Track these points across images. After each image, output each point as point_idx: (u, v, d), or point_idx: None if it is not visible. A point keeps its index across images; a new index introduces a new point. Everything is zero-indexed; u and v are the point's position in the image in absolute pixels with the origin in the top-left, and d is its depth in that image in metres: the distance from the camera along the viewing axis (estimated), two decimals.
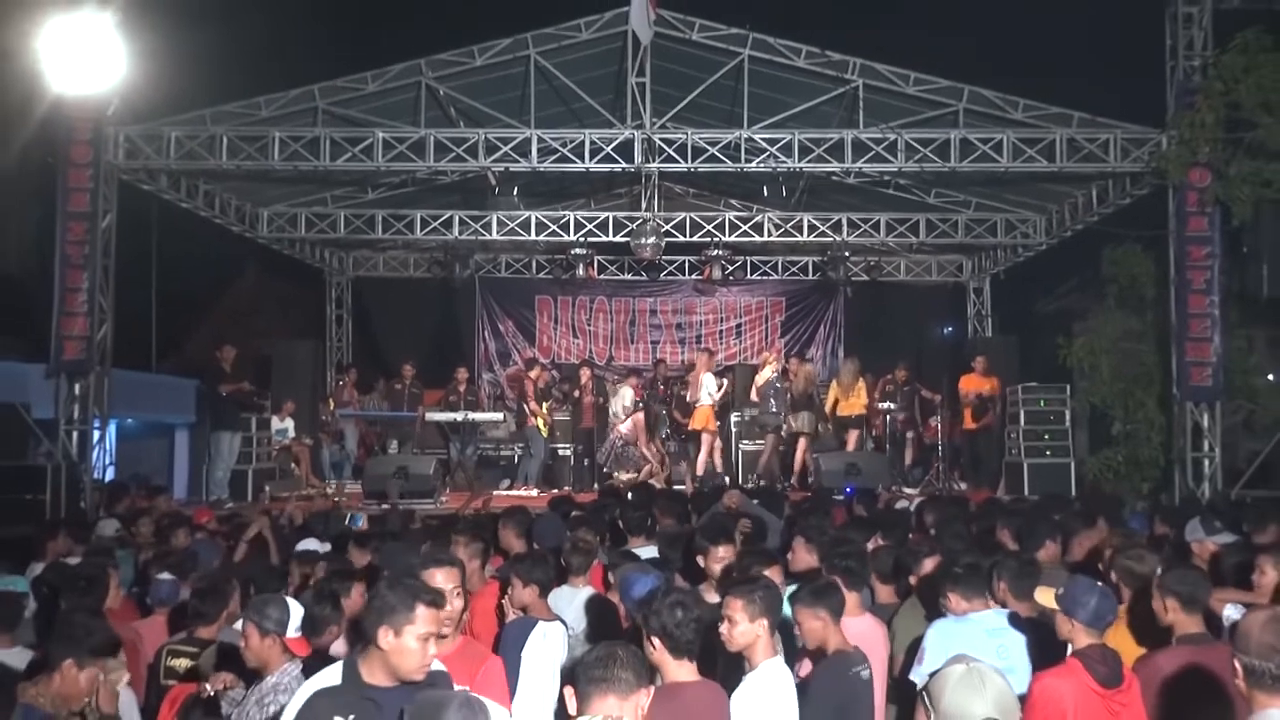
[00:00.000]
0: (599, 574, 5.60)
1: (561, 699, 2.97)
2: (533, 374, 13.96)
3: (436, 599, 3.23)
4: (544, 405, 13.58)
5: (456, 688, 3.00)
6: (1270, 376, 13.11)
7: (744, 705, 3.58)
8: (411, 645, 3.09)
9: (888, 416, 13.95)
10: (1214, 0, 11.38)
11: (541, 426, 13.39)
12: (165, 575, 5.90)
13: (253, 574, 5.76)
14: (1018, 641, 4.23)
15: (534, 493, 12.57)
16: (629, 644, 3.12)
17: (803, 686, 3.92)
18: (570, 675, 2.88)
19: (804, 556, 5.40)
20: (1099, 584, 3.94)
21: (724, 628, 3.76)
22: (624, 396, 13.56)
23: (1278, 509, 7.33)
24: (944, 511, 7.65)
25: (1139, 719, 3.64)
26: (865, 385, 13.84)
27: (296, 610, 4.01)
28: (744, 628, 3.73)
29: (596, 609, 5.10)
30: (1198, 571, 4.39)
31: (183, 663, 4.56)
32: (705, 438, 12.87)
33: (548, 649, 4.41)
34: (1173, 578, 4.13)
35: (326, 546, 6.82)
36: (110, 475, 12.20)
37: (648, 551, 6.05)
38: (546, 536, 6.12)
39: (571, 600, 5.13)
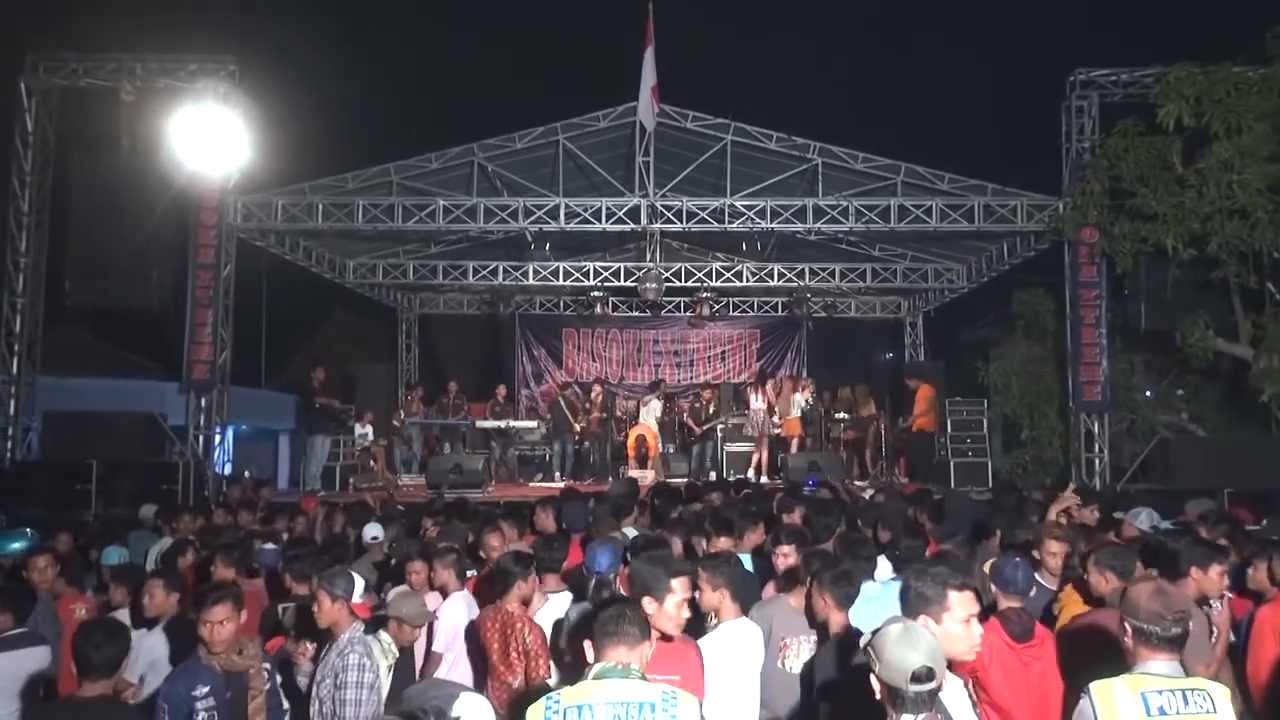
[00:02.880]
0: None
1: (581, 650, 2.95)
2: (593, 392, 13.92)
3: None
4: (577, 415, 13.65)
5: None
6: (1148, 393, 13.01)
7: (706, 652, 3.57)
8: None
9: (842, 425, 13.96)
10: (1099, 95, 11.42)
11: (576, 428, 13.44)
12: (268, 545, 5.92)
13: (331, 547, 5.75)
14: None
15: (563, 484, 12.53)
16: (635, 604, 3.10)
17: (809, 666, 3.73)
18: (588, 631, 2.86)
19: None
20: (1019, 559, 3.89)
21: (697, 594, 3.75)
22: (654, 409, 13.64)
23: (1146, 499, 7.30)
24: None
25: (1049, 668, 3.56)
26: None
27: (359, 581, 3.95)
28: (708, 594, 3.75)
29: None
30: (1126, 548, 4.28)
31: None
32: (795, 440, 13.01)
33: (554, 616, 4.36)
34: (1107, 554, 4.00)
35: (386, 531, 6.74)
36: (228, 470, 12.20)
37: (629, 531, 6.03)
38: (575, 519, 6.10)
39: None
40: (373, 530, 6.52)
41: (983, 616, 3.80)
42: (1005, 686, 3.47)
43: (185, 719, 3.50)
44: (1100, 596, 3.87)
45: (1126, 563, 3.93)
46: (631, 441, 13.11)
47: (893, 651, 2.36)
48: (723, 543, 4.93)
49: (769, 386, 13.57)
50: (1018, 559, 3.88)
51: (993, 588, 3.83)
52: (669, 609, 3.18)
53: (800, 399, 13.22)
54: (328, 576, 3.90)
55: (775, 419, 13.12)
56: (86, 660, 3.23)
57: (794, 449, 12.88)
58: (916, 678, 2.32)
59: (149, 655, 4.23)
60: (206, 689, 3.56)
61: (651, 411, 13.69)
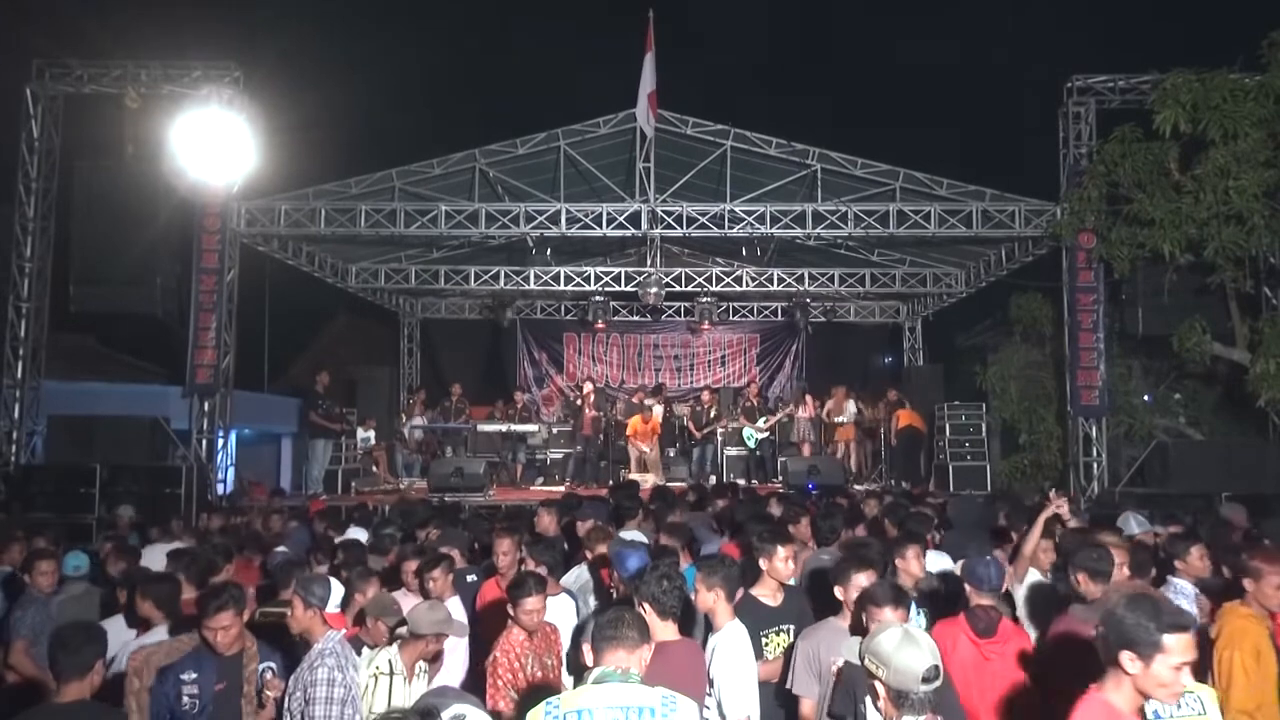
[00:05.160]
0: None
1: (579, 653, 2.94)
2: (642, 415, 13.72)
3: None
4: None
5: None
6: (1145, 398, 13.00)
7: (711, 657, 3.57)
8: (1167, 675, 2.41)
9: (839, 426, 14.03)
10: (1096, 102, 11.44)
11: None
12: (281, 549, 5.92)
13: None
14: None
15: (562, 487, 12.52)
16: (633, 608, 3.10)
17: None
18: (587, 634, 2.85)
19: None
20: (990, 558, 3.92)
21: (693, 595, 3.76)
22: (657, 414, 13.69)
23: (1144, 503, 7.28)
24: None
25: (1008, 664, 3.59)
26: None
27: (337, 589, 3.79)
28: (703, 595, 3.71)
29: (595, 573, 5.10)
30: (1102, 549, 4.23)
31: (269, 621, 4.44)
32: (845, 444, 13.66)
33: (556, 617, 4.34)
34: (1082, 556, 4.00)
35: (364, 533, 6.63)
36: (231, 475, 12.16)
37: (632, 534, 6.02)
38: (599, 516, 6.12)
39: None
40: (355, 532, 6.44)
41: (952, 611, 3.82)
42: (961, 679, 3.48)
43: (173, 700, 3.66)
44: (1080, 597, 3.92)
45: (1103, 564, 3.93)
46: (631, 429, 13.12)
47: (902, 657, 2.36)
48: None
49: (810, 397, 14.09)
50: (989, 558, 3.91)
51: (966, 586, 3.85)
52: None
53: (851, 406, 13.80)
54: (304, 581, 3.75)
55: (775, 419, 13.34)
56: (60, 663, 3.19)
57: (848, 451, 13.70)
58: (927, 679, 2.33)
59: None
60: (194, 675, 3.68)
61: (655, 416, 13.69)
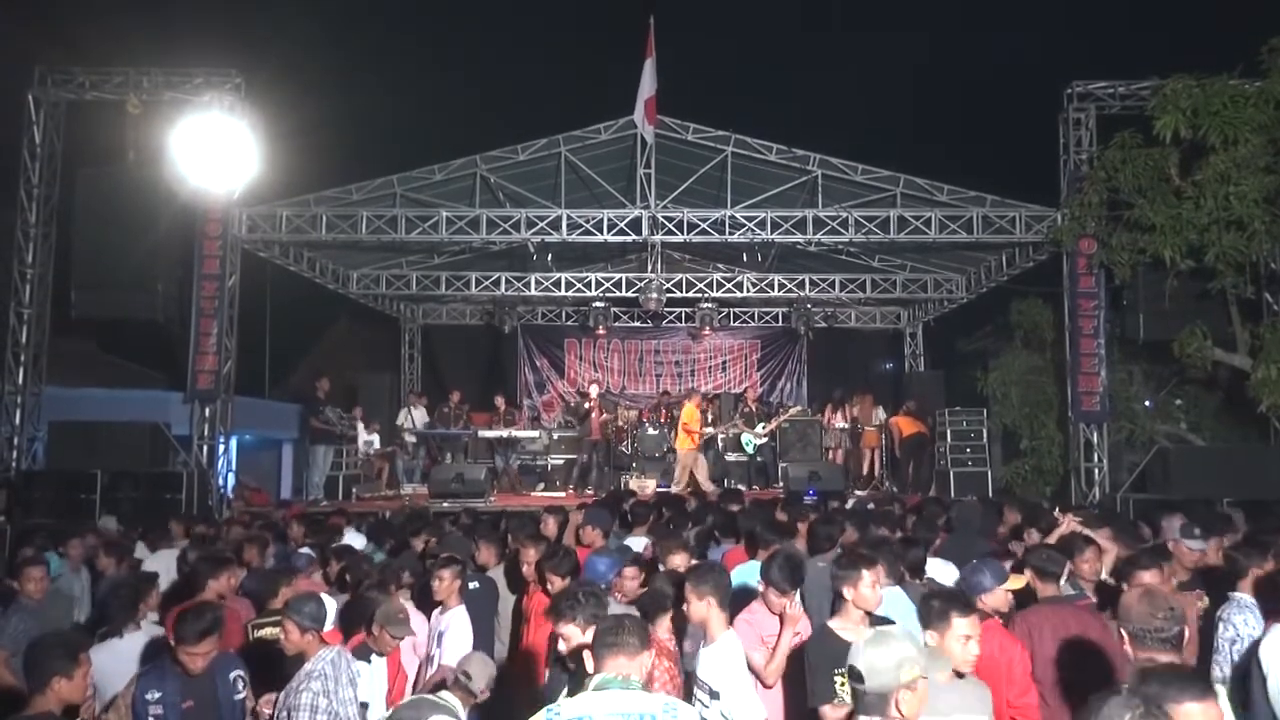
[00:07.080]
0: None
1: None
2: (696, 402, 13.44)
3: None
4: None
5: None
6: (1147, 403, 13.00)
7: (707, 669, 3.50)
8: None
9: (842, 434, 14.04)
10: (1097, 107, 11.45)
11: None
12: (303, 550, 5.89)
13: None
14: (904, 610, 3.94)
15: (563, 494, 12.53)
16: (634, 615, 3.09)
17: None
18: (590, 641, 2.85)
19: None
20: (977, 562, 4.02)
21: (685, 606, 3.70)
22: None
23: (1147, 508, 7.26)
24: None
25: (987, 652, 3.53)
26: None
27: (330, 604, 3.64)
28: (695, 605, 3.62)
29: None
30: (1051, 549, 4.44)
31: (266, 631, 4.33)
32: (868, 451, 14.05)
33: None
34: (1033, 555, 4.22)
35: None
36: (231, 481, 12.16)
37: (639, 542, 5.99)
38: (601, 521, 6.13)
39: None
40: (353, 539, 6.43)
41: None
42: None
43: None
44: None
45: (1051, 565, 4.09)
46: (685, 419, 13.06)
47: (871, 657, 2.40)
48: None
49: (847, 405, 14.49)
50: (975, 562, 4.01)
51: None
52: None
53: (880, 412, 14.10)
54: (293, 604, 3.58)
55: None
56: (27, 677, 3.13)
57: (868, 458, 14.07)
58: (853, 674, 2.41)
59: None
60: (159, 694, 3.50)
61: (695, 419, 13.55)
